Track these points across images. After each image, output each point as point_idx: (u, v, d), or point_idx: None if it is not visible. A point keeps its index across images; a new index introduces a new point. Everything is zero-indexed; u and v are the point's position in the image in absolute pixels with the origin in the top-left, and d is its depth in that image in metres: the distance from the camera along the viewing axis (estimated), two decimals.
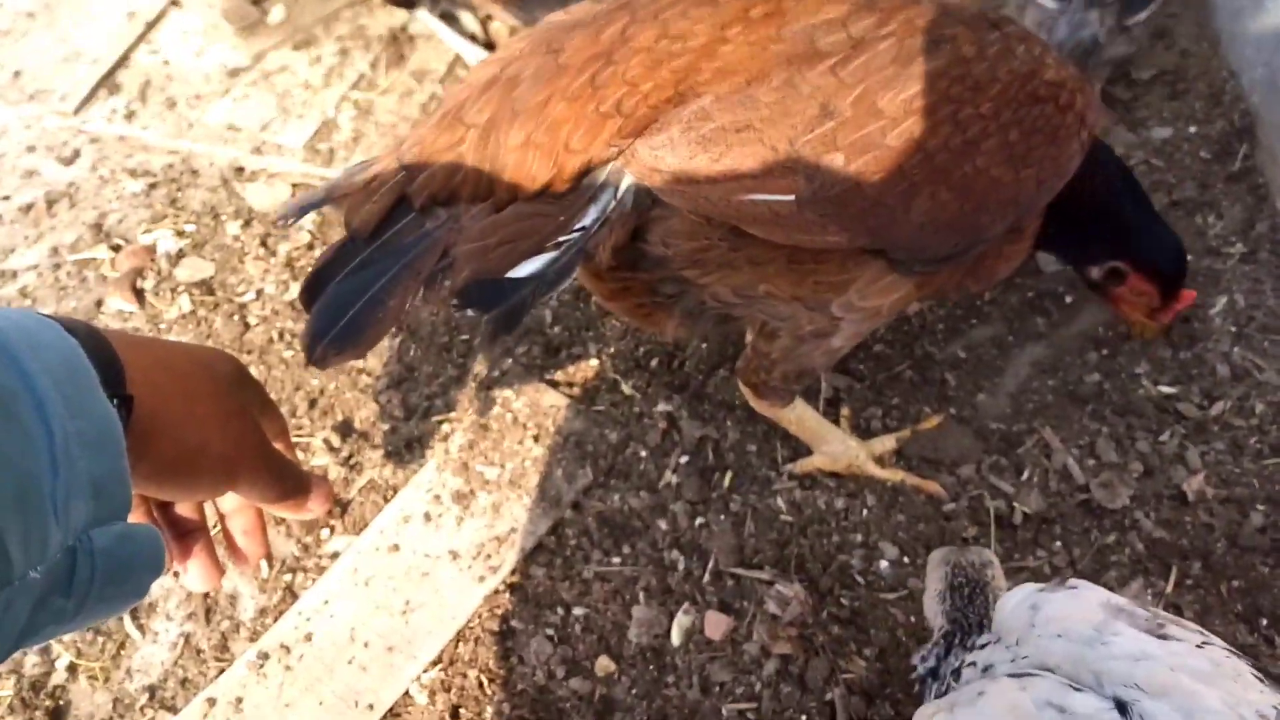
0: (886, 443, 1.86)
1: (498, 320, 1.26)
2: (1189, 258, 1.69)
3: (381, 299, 1.19)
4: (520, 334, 2.12)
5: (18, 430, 0.65)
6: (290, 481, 1.01)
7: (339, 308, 1.20)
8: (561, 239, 1.27)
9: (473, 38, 2.52)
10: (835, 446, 1.80)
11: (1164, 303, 1.66)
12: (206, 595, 1.81)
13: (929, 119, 1.25)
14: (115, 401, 0.76)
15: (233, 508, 1.05)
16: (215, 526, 1.05)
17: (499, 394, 2.02)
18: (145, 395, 0.82)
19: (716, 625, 1.66)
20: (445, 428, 2.00)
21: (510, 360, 2.08)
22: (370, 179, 1.26)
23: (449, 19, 2.59)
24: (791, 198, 1.26)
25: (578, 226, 1.28)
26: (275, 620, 1.76)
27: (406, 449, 1.98)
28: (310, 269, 1.25)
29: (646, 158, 1.26)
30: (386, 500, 1.91)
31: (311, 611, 1.75)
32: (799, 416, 1.75)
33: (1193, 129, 2.27)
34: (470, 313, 1.26)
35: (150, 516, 1.00)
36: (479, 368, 2.08)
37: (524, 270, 1.26)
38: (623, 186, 1.31)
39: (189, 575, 1.04)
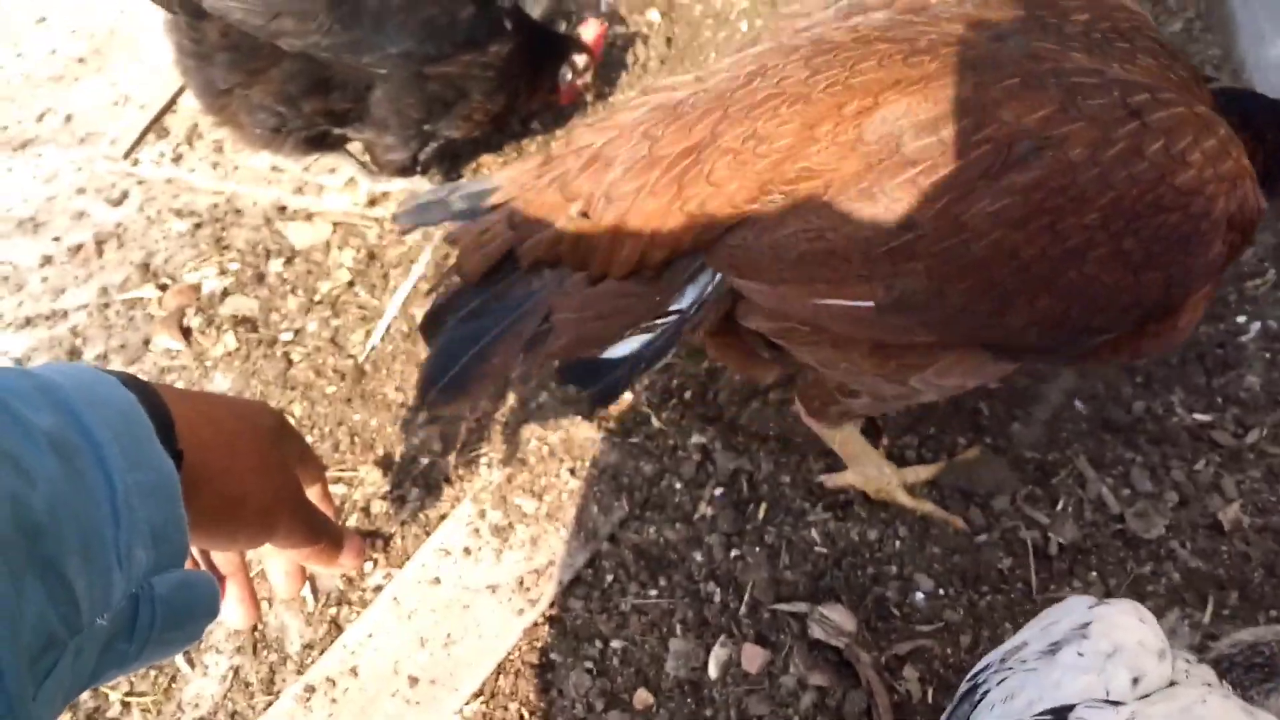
0: (920, 473, 1.87)
1: (596, 397, 1.35)
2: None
3: (487, 356, 1.28)
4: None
5: (81, 484, 0.69)
6: (325, 535, 1.04)
7: (450, 357, 1.31)
8: (658, 321, 1.33)
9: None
10: (870, 470, 1.82)
11: None
12: (255, 629, 1.85)
13: (1020, 231, 1.19)
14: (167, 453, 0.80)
15: (270, 552, 1.09)
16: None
17: (535, 428, 2.06)
18: (193, 448, 0.86)
19: (753, 658, 1.68)
20: (483, 461, 2.04)
21: (545, 394, 2.12)
22: (483, 231, 1.35)
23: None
24: (870, 304, 1.25)
25: (674, 309, 1.33)
26: (321, 654, 1.80)
27: (446, 482, 2.03)
28: (431, 304, 1.37)
29: (725, 255, 1.30)
30: (427, 533, 1.95)
31: (356, 645, 1.79)
32: (844, 438, 1.77)
33: None
34: (570, 388, 1.33)
35: (194, 561, 1.04)
36: (514, 401, 2.12)
37: (620, 350, 1.33)
38: (717, 274, 1.35)
39: (228, 613, 1.07)
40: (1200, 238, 1.22)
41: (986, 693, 1.18)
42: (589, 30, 2.55)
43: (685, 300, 1.33)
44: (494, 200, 1.39)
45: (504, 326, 1.28)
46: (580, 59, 2.49)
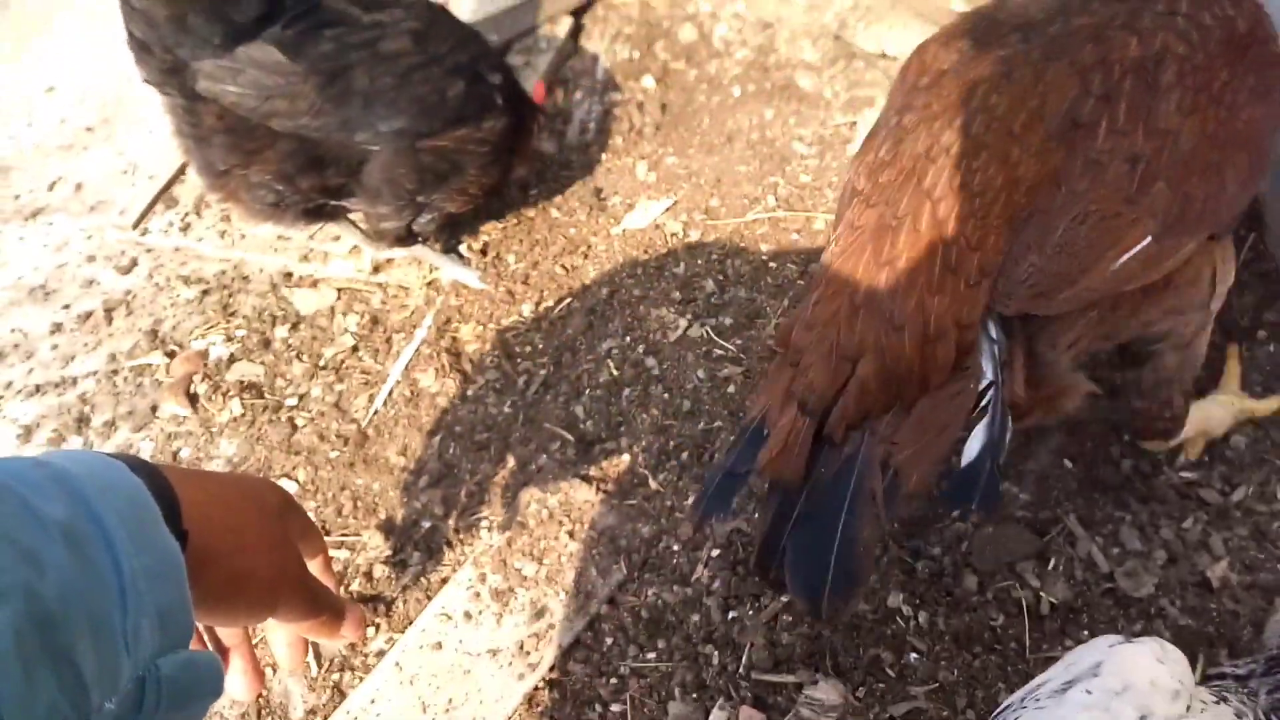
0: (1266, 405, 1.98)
1: (984, 505, 1.34)
2: None
3: (853, 539, 1.27)
4: (551, 433, 2.20)
5: (91, 571, 0.72)
6: (326, 609, 1.08)
7: (815, 566, 1.28)
8: (983, 404, 1.38)
9: (466, 261, 2.62)
10: (1219, 415, 1.92)
11: None
12: (259, 696, 1.88)
13: (1196, 113, 1.39)
14: (173, 535, 0.84)
15: (274, 625, 1.12)
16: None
17: (534, 491, 2.10)
18: (198, 529, 0.89)
19: None
20: (484, 525, 2.08)
21: (544, 457, 2.16)
22: (786, 436, 1.34)
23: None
24: (1148, 239, 1.39)
25: (986, 385, 1.39)
26: None
27: (447, 546, 2.06)
28: (755, 541, 1.33)
29: (1023, 293, 1.38)
30: (429, 597, 1.98)
31: (359, 711, 1.82)
32: (1195, 420, 1.85)
33: None
34: (958, 510, 1.37)
35: (198, 634, 1.08)
36: (514, 464, 2.16)
37: (973, 450, 1.36)
38: (993, 328, 1.42)
39: (232, 685, 1.11)
40: (1270, 49, 1.51)
41: None
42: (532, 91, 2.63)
43: (989, 370, 1.40)
44: (771, 419, 1.39)
45: (850, 504, 1.28)
46: (539, 119, 2.61)
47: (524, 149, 2.52)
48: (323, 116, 2.12)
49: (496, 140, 2.35)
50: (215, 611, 0.98)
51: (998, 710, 1.30)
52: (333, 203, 2.35)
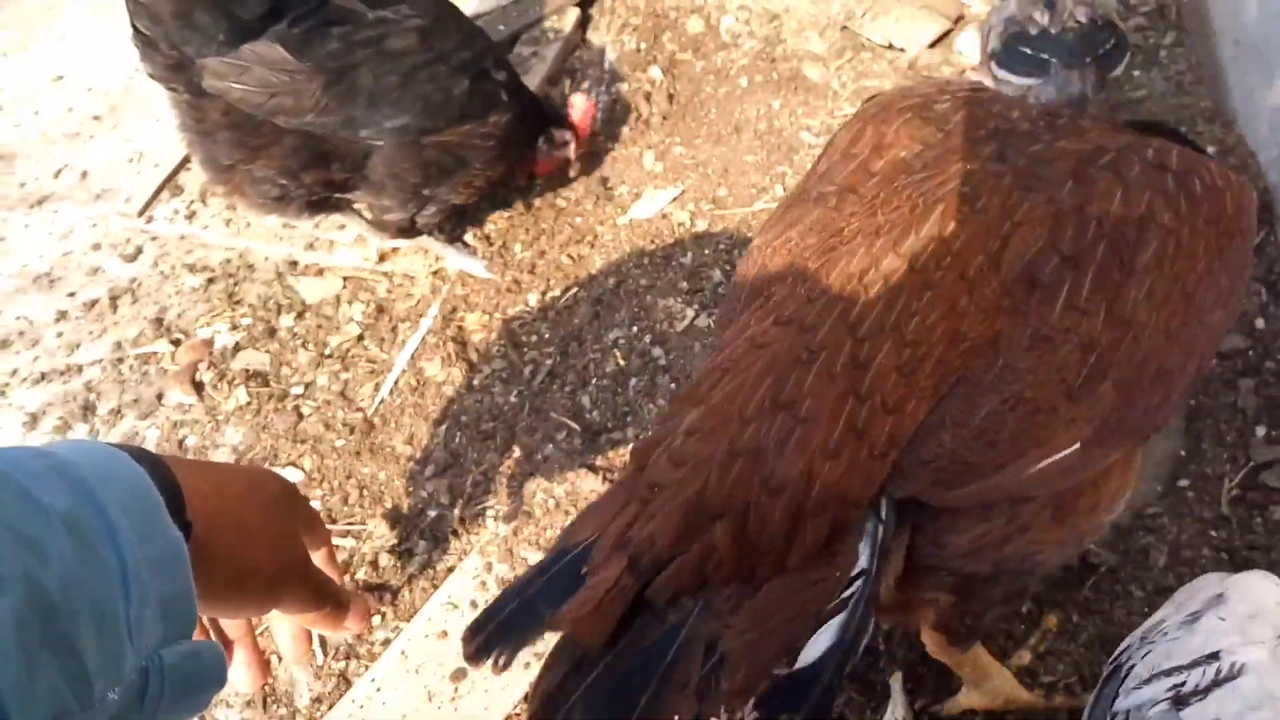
0: (1020, 658, 1.78)
1: (811, 715, 1.08)
2: None
3: None
4: (558, 423, 2.20)
5: (94, 561, 0.72)
6: (330, 600, 1.08)
7: None
8: (845, 595, 1.12)
9: (472, 251, 2.61)
10: (999, 682, 1.66)
11: None
12: (264, 685, 1.88)
13: (1167, 305, 1.20)
14: (176, 526, 0.84)
15: (278, 616, 1.12)
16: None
17: (540, 480, 2.10)
18: (202, 520, 0.89)
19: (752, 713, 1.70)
20: (490, 514, 2.08)
21: (551, 446, 2.16)
22: (603, 595, 1.06)
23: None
24: (1077, 445, 1.18)
25: (857, 573, 1.13)
26: (330, 708, 1.83)
27: (453, 535, 2.06)
28: (538, 688, 1.07)
29: (925, 475, 1.16)
30: (435, 586, 1.98)
31: (364, 699, 1.82)
32: (975, 656, 1.61)
33: None
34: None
35: (202, 627, 1.07)
36: (520, 453, 2.16)
37: (817, 649, 1.09)
38: (884, 508, 1.17)
39: (236, 677, 1.10)
40: (1250, 251, 1.32)
41: (1131, 668, 1.22)
42: (576, 108, 2.55)
43: (864, 557, 1.14)
44: (595, 564, 1.11)
45: (657, 683, 1.02)
46: (560, 133, 2.52)
47: (534, 152, 2.52)
48: (328, 114, 2.12)
49: (502, 135, 2.35)
50: (218, 602, 0.97)
51: (1118, 651, 1.31)
52: (337, 195, 2.35)
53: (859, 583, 1.12)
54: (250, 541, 0.97)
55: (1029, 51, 2.24)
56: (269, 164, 2.20)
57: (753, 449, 1.11)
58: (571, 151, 2.56)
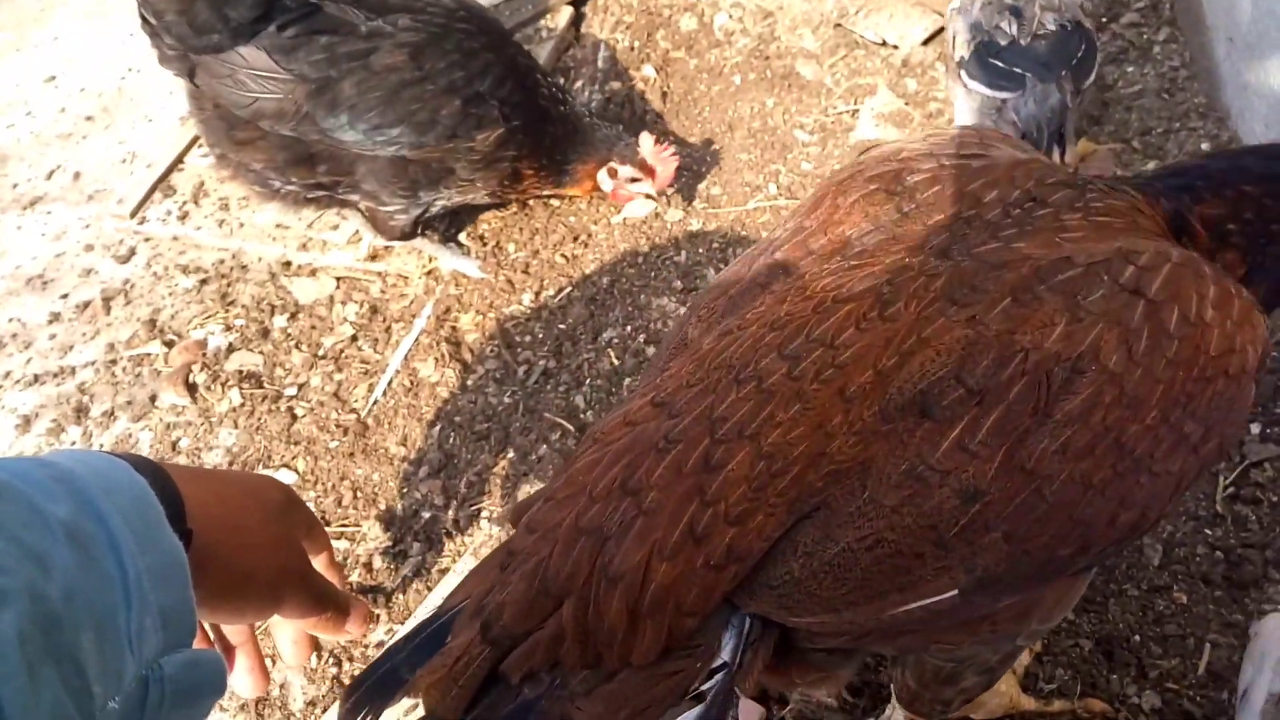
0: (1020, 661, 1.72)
1: None
2: None
3: None
4: (551, 423, 2.19)
5: (96, 571, 0.72)
6: (331, 605, 1.08)
7: None
8: (704, 688, 1.07)
9: (466, 251, 2.60)
10: (990, 702, 1.62)
11: None
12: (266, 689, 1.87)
13: (1089, 458, 1.06)
14: (177, 534, 0.83)
15: (279, 622, 1.12)
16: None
17: (535, 481, 2.09)
18: (202, 528, 0.89)
19: (750, 714, 1.70)
20: (484, 515, 2.07)
21: (545, 447, 2.15)
22: (454, 663, 1.07)
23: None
24: (953, 593, 1.08)
25: (718, 665, 1.09)
26: (324, 711, 1.82)
27: (447, 537, 2.05)
28: None
29: (772, 599, 1.09)
30: (429, 588, 1.98)
31: None
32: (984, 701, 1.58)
33: None
34: None
35: (204, 633, 1.07)
36: (514, 454, 2.15)
37: None
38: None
39: (238, 684, 1.11)
40: (1242, 393, 1.15)
41: None
42: (644, 148, 2.44)
43: (727, 652, 1.09)
44: (457, 624, 1.12)
45: None
46: (624, 169, 2.45)
47: (549, 170, 2.44)
48: (308, 123, 2.11)
49: (489, 151, 2.29)
50: (219, 609, 0.98)
51: None
52: (335, 195, 2.34)
53: (719, 675, 1.08)
54: (250, 547, 0.98)
55: (1000, 64, 2.23)
56: (255, 157, 2.21)
57: (595, 529, 1.07)
58: (643, 189, 2.50)
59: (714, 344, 1.18)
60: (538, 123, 2.37)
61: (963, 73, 2.27)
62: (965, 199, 1.23)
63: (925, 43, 2.84)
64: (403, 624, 1.92)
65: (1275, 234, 1.29)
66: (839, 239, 1.24)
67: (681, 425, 1.10)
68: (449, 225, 2.63)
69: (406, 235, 2.44)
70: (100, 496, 0.76)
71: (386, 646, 1.12)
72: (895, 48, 2.86)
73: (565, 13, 3.08)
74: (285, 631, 1.13)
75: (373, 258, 2.59)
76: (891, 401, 1.07)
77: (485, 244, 2.60)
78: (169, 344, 2.50)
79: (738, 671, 1.09)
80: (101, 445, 2.32)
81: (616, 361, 2.28)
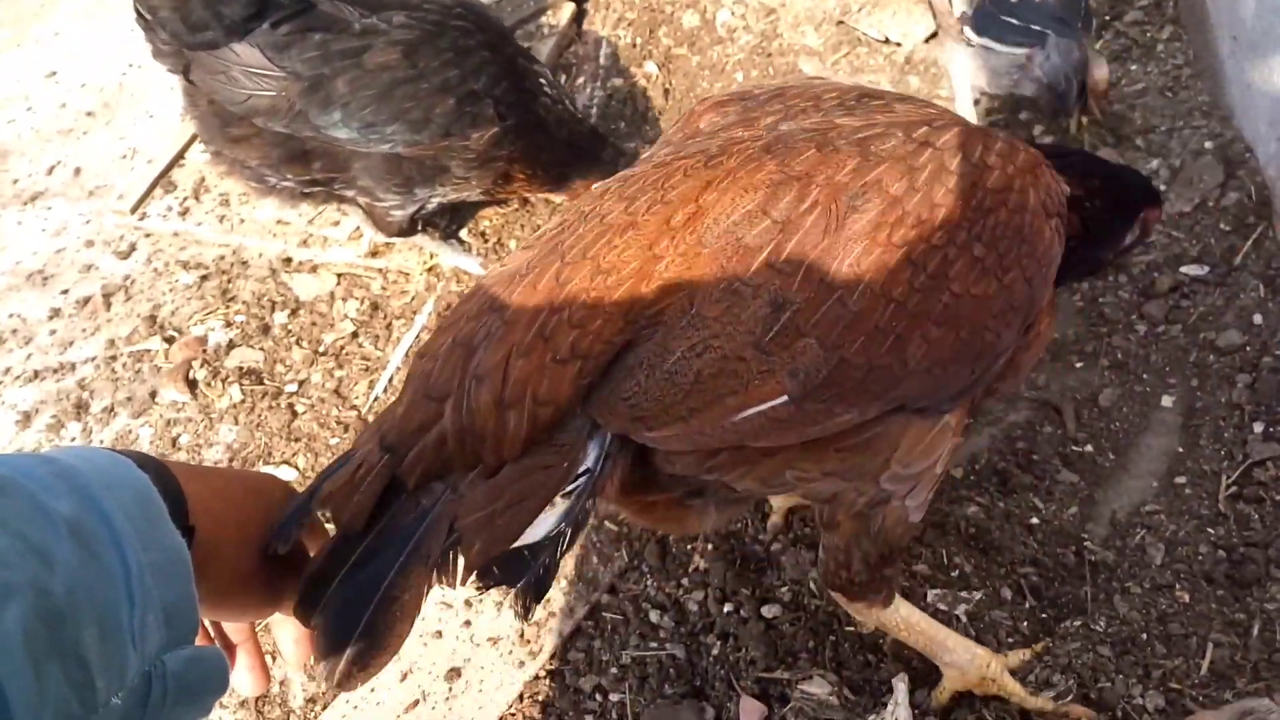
0: (1020, 655, 1.73)
1: (528, 592, 1.20)
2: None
3: (395, 595, 1.10)
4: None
5: (99, 567, 0.72)
6: None
7: (349, 618, 1.09)
8: (569, 487, 1.23)
9: (467, 247, 2.60)
10: (960, 655, 1.66)
11: (1160, 210, 1.73)
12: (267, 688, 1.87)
13: (883, 272, 1.23)
14: (179, 531, 0.83)
15: (280, 619, 1.12)
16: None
17: None
18: (205, 525, 0.89)
19: (751, 712, 1.70)
20: None
21: None
22: (355, 470, 1.17)
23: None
24: (785, 398, 1.23)
25: (582, 470, 1.25)
26: (323, 709, 1.82)
27: None
28: (304, 578, 1.10)
29: (624, 412, 1.23)
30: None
31: (358, 699, 1.81)
32: (905, 619, 1.63)
33: (1209, 201, 2.31)
34: (494, 590, 1.21)
35: (205, 631, 1.07)
36: None
37: (539, 531, 1.20)
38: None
39: (239, 681, 1.10)
40: (1029, 227, 1.33)
41: None
42: None
43: (590, 458, 1.25)
44: (356, 444, 1.24)
45: (405, 558, 1.12)
46: None
47: (549, 173, 2.42)
48: (301, 120, 2.11)
49: (483, 150, 2.26)
50: (221, 606, 0.98)
51: None
52: (331, 190, 2.34)
53: (583, 479, 1.24)
54: (253, 544, 0.97)
55: (1014, 21, 2.21)
56: (249, 154, 2.21)
57: (466, 340, 1.25)
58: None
59: (576, 208, 1.37)
60: (534, 126, 2.34)
61: (966, 28, 2.23)
62: (805, 97, 1.43)
63: (928, 40, 2.83)
64: None
65: (1100, 218, 1.56)
66: (692, 131, 1.46)
67: (538, 255, 1.30)
68: (450, 222, 2.63)
69: (405, 231, 2.43)
70: (103, 493, 0.76)
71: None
72: (898, 45, 2.85)
73: (567, 9, 3.07)
74: (286, 630, 1.12)
75: (374, 254, 2.58)
76: (709, 230, 1.24)
77: (486, 240, 2.59)
78: (169, 340, 2.49)
79: (599, 478, 1.26)
80: (102, 441, 2.32)
81: None
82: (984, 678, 1.66)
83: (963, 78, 2.33)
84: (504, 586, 1.18)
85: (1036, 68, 2.18)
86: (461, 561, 1.15)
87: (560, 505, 1.22)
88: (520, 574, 1.19)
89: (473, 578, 1.16)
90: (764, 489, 1.43)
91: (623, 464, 1.30)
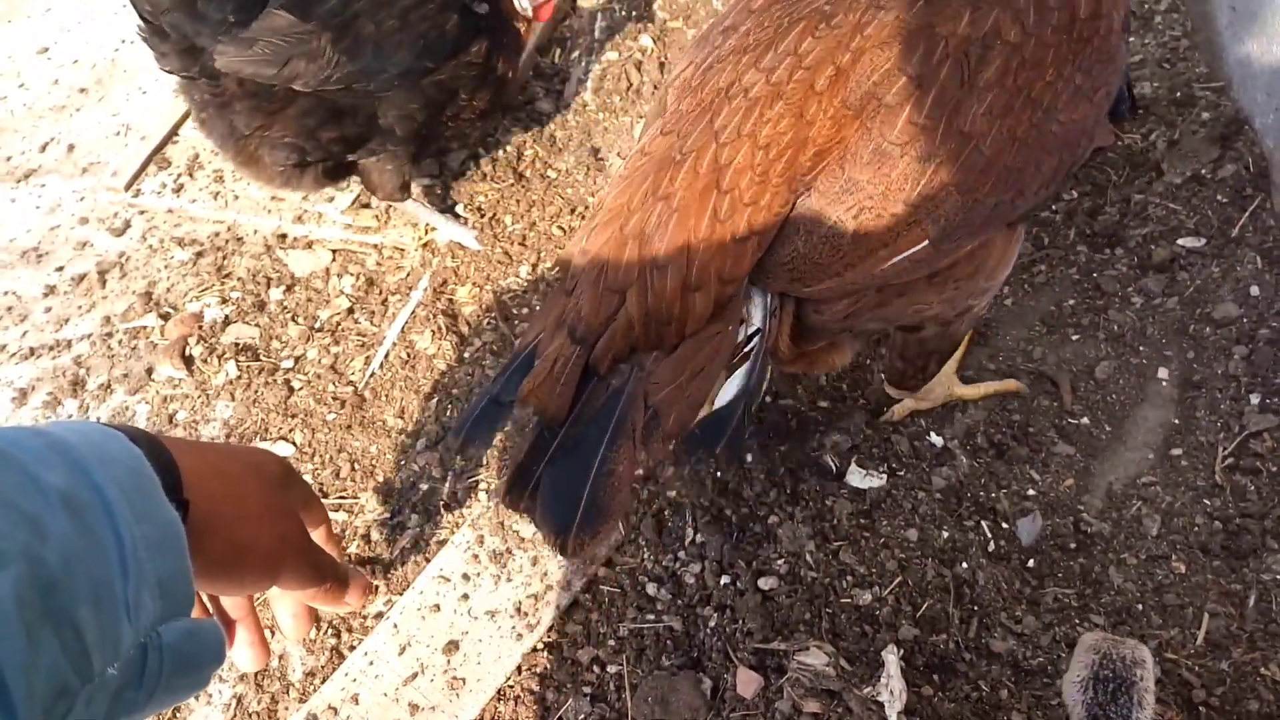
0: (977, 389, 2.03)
1: (728, 452, 1.31)
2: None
3: (610, 469, 1.21)
4: None
5: (92, 539, 0.72)
6: (330, 576, 1.08)
7: (569, 497, 1.21)
8: (747, 350, 1.36)
9: (463, 221, 2.59)
10: (938, 390, 1.95)
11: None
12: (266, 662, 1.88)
13: (1010, 115, 1.32)
14: (174, 505, 0.83)
15: (278, 594, 1.12)
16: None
17: None
18: (199, 498, 0.89)
19: (748, 684, 1.70)
20: (482, 487, 2.07)
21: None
22: (553, 363, 1.28)
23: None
24: (926, 243, 1.34)
25: (753, 331, 1.37)
26: (323, 682, 1.83)
27: (445, 509, 2.05)
28: (510, 467, 1.24)
29: (785, 274, 1.35)
30: (427, 560, 1.98)
31: (357, 672, 1.81)
32: (929, 388, 1.89)
33: (1206, 173, 2.30)
34: (700, 455, 1.30)
35: (203, 606, 1.07)
36: (511, 426, 2.15)
37: (726, 395, 1.33)
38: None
39: (238, 657, 1.11)
40: (1114, 48, 1.42)
41: None
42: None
43: (756, 319, 1.38)
44: (542, 346, 1.33)
45: (611, 436, 1.22)
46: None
47: (512, 51, 2.45)
48: (339, 69, 2.10)
49: (484, 61, 2.32)
50: (218, 580, 0.98)
51: None
52: (349, 158, 2.32)
53: (756, 339, 1.36)
54: (248, 519, 0.98)
55: None
56: (286, 126, 2.19)
57: (639, 232, 1.32)
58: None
59: (700, 79, 1.42)
60: (503, 26, 2.40)
61: None
62: None
63: None
64: (401, 595, 1.92)
65: None
66: None
67: (689, 141, 1.36)
68: (446, 196, 2.62)
69: (404, 189, 2.41)
70: (96, 466, 0.76)
71: (479, 391, 1.34)
72: None
73: None
74: (284, 605, 1.13)
75: (378, 222, 2.57)
76: (852, 92, 1.31)
77: (483, 215, 2.58)
78: (165, 317, 2.49)
79: (768, 335, 1.37)
80: (98, 418, 2.32)
81: None
82: (947, 399, 1.99)
83: None
84: (708, 451, 1.29)
85: None
86: (661, 432, 1.26)
87: (741, 368, 1.34)
88: (719, 437, 1.30)
89: (673, 444, 1.27)
90: (888, 324, 1.58)
91: (786, 320, 1.43)
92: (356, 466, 2.15)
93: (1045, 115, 1.35)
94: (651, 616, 1.84)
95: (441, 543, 2.00)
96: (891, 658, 1.67)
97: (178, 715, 1.84)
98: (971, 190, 1.32)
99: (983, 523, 1.89)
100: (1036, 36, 1.33)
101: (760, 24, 1.42)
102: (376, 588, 1.96)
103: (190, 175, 2.78)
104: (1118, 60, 1.44)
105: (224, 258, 2.59)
